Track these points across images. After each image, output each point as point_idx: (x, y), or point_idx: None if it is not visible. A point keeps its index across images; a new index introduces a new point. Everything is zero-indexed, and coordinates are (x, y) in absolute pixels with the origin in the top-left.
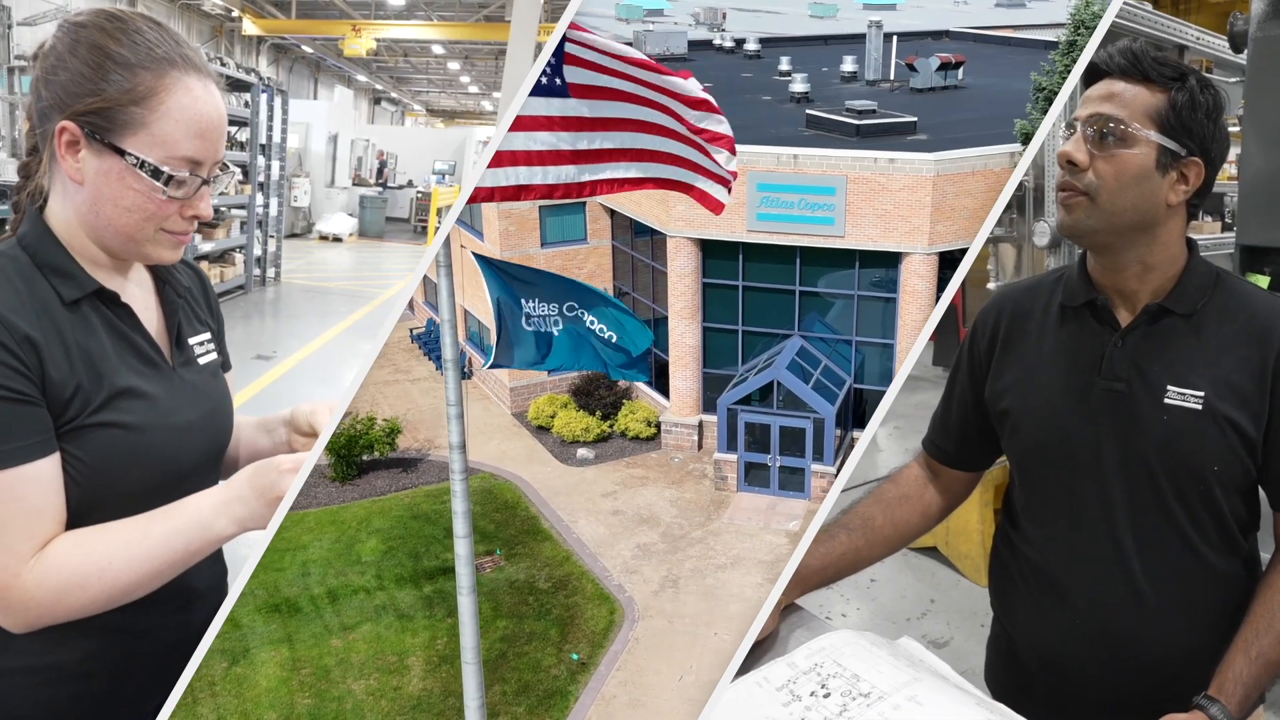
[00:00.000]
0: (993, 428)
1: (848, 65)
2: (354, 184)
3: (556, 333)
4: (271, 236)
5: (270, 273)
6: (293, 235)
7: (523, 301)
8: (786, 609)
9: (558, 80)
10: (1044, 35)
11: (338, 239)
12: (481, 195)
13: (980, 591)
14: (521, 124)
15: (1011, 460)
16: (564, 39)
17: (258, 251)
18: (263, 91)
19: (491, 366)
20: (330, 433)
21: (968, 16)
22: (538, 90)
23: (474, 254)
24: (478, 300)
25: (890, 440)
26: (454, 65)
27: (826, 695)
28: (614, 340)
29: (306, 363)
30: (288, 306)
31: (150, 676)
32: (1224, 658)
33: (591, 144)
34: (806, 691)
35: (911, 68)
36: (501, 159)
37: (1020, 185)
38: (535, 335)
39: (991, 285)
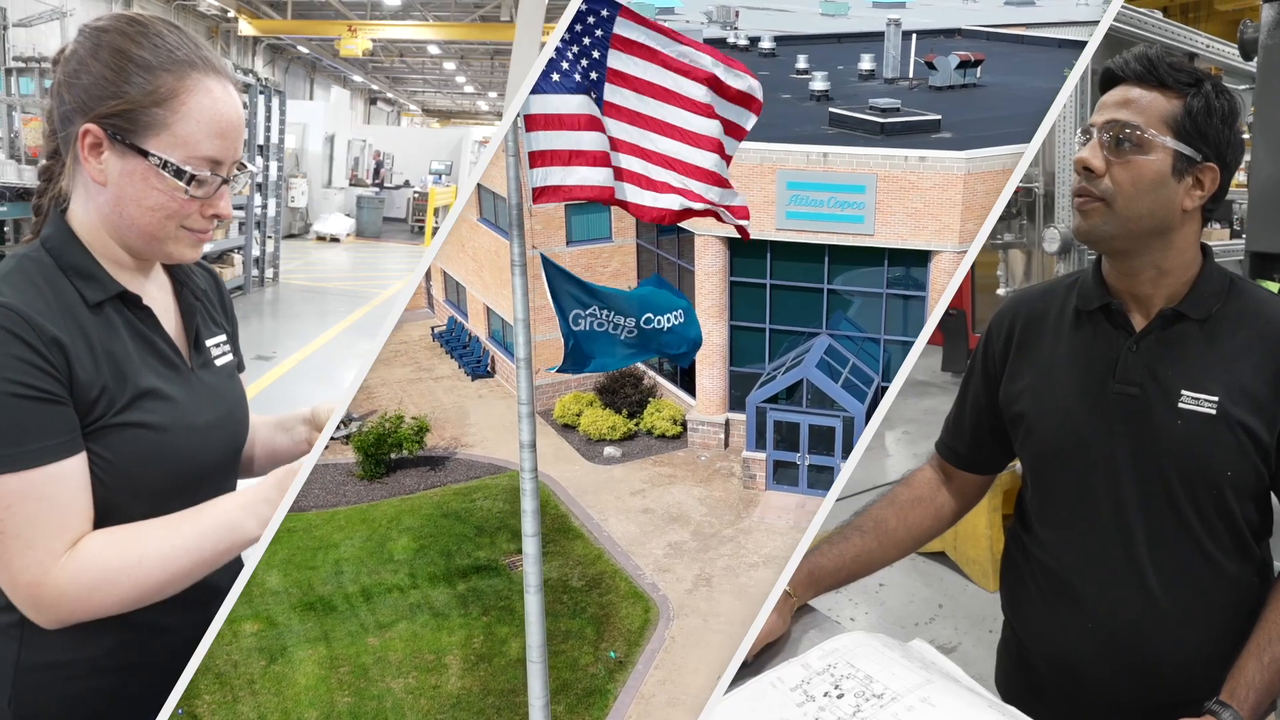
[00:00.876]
0: (1006, 431)
1: (865, 63)
2: (351, 184)
3: (611, 332)
4: (269, 237)
5: (268, 273)
6: (290, 236)
7: (582, 304)
8: (799, 610)
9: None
10: (1054, 33)
11: (335, 239)
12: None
13: (988, 597)
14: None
15: (1025, 463)
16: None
17: (256, 252)
18: (260, 92)
19: (560, 370)
20: (330, 432)
21: (977, 15)
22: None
23: (543, 255)
24: (501, 298)
25: (899, 445)
26: (450, 65)
27: (840, 696)
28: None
29: (306, 363)
30: (286, 307)
31: (170, 672)
32: (1236, 663)
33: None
34: (820, 692)
35: (931, 65)
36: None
37: (1030, 191)
38: (593, 336)
39: (1001, 291)
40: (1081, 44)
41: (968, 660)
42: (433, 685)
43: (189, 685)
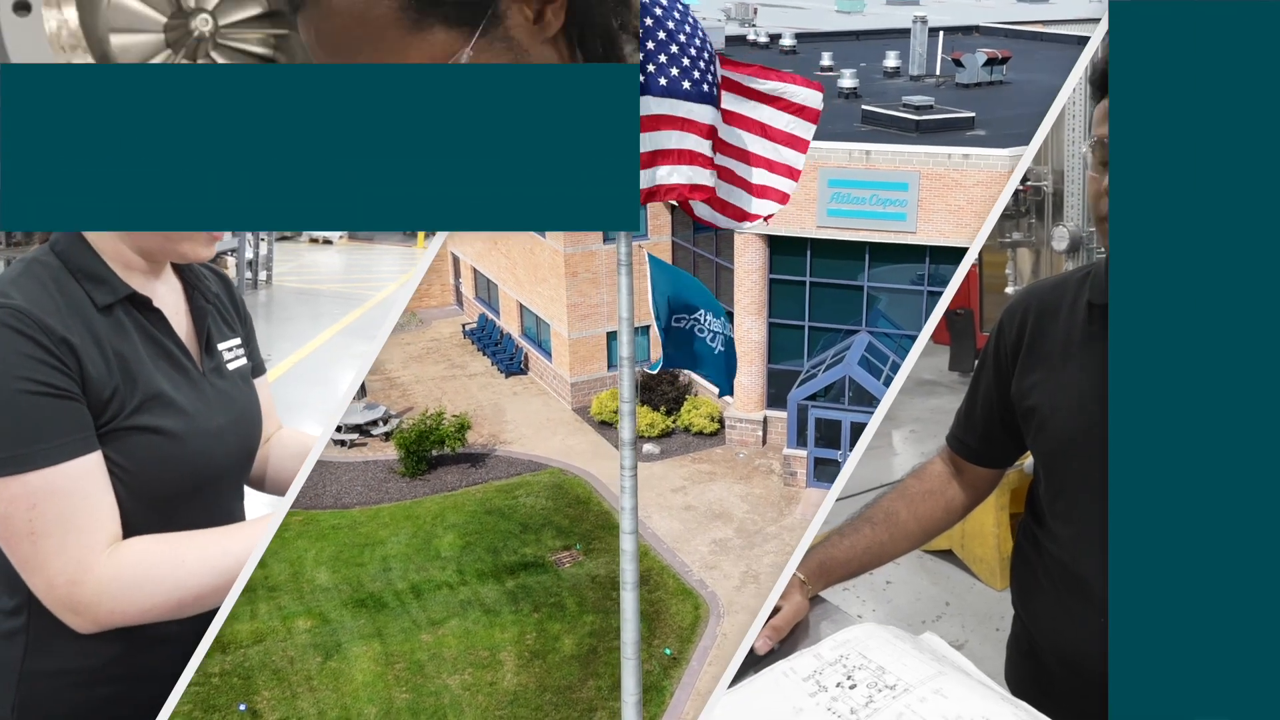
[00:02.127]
0: (1017, 425)
1: (890, 60)
2: None
3: (709, 338)
4: (262, 239)
5: (262, 276)
6: (283, 238)
7: (689, 306)
8: (812, 601)
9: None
10: (1072, 30)
11: (328, 241)
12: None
13: (995, 595)
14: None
15: (1037, 457)
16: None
17: (249, 255)
18: None
19: (664, 367)
20: (328, 437)
21: (990, 12)
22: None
23: (649, 255)
24: (536, 295)
25: (906, 444)
26: None
27: (853, 686)
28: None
29: (301, 365)
30: (280, 309)
31: (175, 681)
32: None
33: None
34: (833, 682)
35: (958, 63)
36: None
37: (1039, 190)
38: (702, 339)
39: (1009, 290)
40: None
41: (975, 658)
42: (489, 681)
43: (247, 681)
